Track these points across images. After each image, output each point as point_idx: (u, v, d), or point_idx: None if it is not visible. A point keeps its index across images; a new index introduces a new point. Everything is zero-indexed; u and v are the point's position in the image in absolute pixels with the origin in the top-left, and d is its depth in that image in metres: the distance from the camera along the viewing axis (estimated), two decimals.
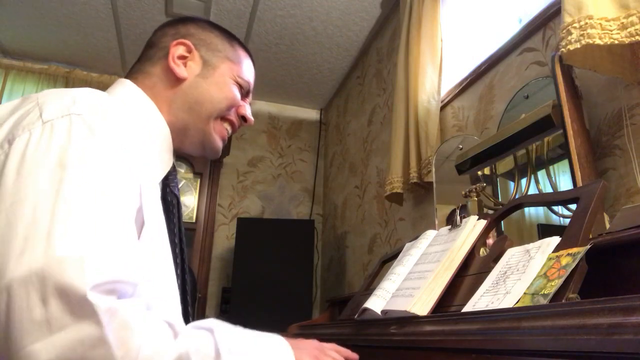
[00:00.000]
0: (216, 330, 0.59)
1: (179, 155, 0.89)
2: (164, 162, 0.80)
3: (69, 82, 3.16)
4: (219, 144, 0.87)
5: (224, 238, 3.26)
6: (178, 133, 0.82)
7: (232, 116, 0.87)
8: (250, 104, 0.92)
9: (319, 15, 2.65)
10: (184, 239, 0.82)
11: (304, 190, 3.57)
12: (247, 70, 0.90)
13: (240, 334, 0.63)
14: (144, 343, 0.50)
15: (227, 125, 0.88)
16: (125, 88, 0.80)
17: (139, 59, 0.87)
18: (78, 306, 0.46)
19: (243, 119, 0.90)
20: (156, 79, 0.82)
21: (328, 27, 2.75)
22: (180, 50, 0.83)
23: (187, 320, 0.78)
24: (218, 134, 0.86)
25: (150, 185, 0.69)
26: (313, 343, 0.75)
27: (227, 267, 3.15)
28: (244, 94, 0.89)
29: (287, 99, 3.60)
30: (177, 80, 0.82)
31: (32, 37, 2.94)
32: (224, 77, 0.85)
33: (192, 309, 0.85)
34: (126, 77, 0.84)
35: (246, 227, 2.84)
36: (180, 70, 0.82)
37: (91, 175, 0.56)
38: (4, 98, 3.02)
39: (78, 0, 2.60)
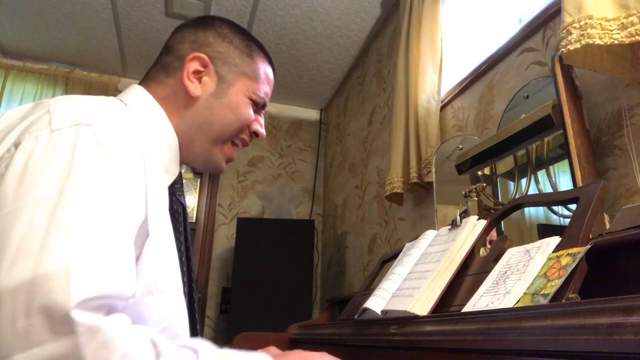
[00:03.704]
0: (200, 351, 0.57)
1: None
2: (171, 171, 0.79)
3: (69, 82, 3.16)
4: (223, 165, 0.86)
5: (224, 238, 3.26)
6: (184, 147, 0.82)
7: (243, 135, 0.86)
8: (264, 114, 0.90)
9: (319, 15, 2.65)
10: (190, 247, 0.82)
11: (304, 190, 3.57)
12: (265, 83, 0.87)
13: (224, 355, 0.61)
14: None
15: (237, 143, 0.87)
16: (137, 95, 0.79)
17: (156, 62, 0.84)
18: (59, 324, 0.46)
19: (255, 133, 0.88)
20: (169, 91, 0.80)
21: (328, 27, 2.75)
22: (196, 65, 0.80)
23: (194, 327, 0.77)
24: (224, 155, 0.85)
25: (158, 196, 0.69)
26: (300, 354, 0.73)
27: (227, 267, 3.15)
28: (260, 107, 0.87)
29: (287, 99, 3.60)
30: (190, 97, 0.80)
31: (32, 37, 2.94)
32: (237, 95, 0.83)
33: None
34: (141, 82, 0.82)
35: (246, 227, 2.84)
36: (194, 88, 0.80)
37: (92, 188, 0.55)
38: (4, 98, 3.02)
39: (78, 0, 2.60)
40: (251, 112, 0.85)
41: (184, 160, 0.84)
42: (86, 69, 3.22)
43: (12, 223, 0.51)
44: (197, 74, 0.81)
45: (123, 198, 0.58)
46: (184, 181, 0.86)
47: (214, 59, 0.82)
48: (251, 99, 0.84)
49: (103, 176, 0.57)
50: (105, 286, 0.51)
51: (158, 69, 0.83)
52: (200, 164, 0.86)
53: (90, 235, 0.52)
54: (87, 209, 0.53)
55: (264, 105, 0.88)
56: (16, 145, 0.57)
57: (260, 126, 0.87)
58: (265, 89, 0.88)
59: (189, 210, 2.90)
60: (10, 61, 3.12)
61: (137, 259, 0.61)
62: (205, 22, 0.86)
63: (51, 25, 2.81)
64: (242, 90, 0.83)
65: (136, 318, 0.59)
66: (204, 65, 0.81)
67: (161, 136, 0.77)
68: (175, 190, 0.79)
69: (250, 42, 0.87)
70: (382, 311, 0.94)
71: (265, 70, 0.88)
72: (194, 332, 0.77)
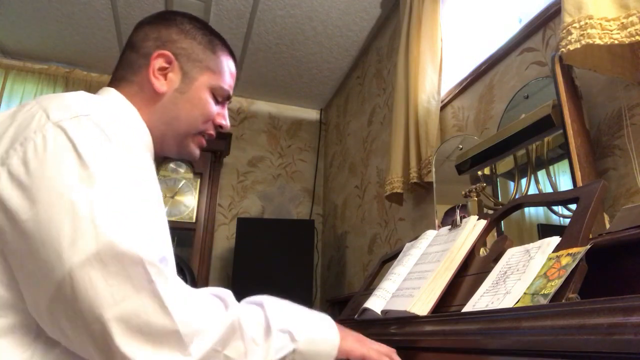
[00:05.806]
0: (266, 305, 0.66)
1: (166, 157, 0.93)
2: None
3: (69, 82, 3.16)
4: (196, 152, 0.90)
5: (224, 238, 3.26)
6: (156, 141, 0.85)
7: (209, 128, 0.90)
8: (229, 104, 0.94)
9: (319, 15, 2.65)
10: None
11: (304, 190, 3.57)
12: (228, 76, 0.91)
13: (289, 310, 0.70)
14: (199, 309, 0.58)
15: (205, 136, 0.91)
16: (112, 96, 0.82)
17: (121, 61, 0.87)
18: (136, 277, 0.53)
19: (219, 126, 0.92)
20: (137, 89, 0.83)
21: (328, 27, 2.75)
22: (161, 62, 0.83)
23: None
24: (196, 144, 0.89)
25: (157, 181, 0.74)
26: (358, 334, 0.79)
27: (227, 267, 3.15)
28: (224, 99, 0.90)
29: (287, 99, 3.60)
30: (156, 94, 0.83)
31: (32, 37, 2.94)
32: (200, 90, 0.86)
33: None
34: (110, 83, 0.85)
35: (246, 227, 2.84)
36: (160, 84, 0.82)
37: (115, 168, 0.60)
38: (4, 98, 3.02)
39: (78, 0, 2.60)
40: (213, 106, 0.88)
41: (159, 152, 0.88)
42: (86, 69, 3.22)
43: (54, 210, 0.55)
44: (163, 70, 0.84)
45: (143, 176, 0.64)
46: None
47: (178, 55, 0.85)
48: (214, 92, 0.88)
49: (118, 158, 0.62)
50: (161, 248, 0.58)
51: (124, 68, 0.86)
52: (175, 154, 0.90)
53: (133, 207, 0.58)
54: (118, 186, 0.59)
55: (228, 97, 0.91)
56: (22, 143, 0.59)
57: (224, 119, 0.91)
58: (229, 82, 0.91)
59: (189, 210, 2.91)
60: (10, 61, 3.12)
61: None
62: (167, 18, 0.90)
63: (51, 25, 2.81)
64: (205, 84, 0.86)
65: None
66: (169, 62, 0.84)
67: (138, 133, 0.80)
68: None
69: (213, 37, 0.90)
70: (382, 311, 0.94)
71: (228, 64, 0.91)
72: None
